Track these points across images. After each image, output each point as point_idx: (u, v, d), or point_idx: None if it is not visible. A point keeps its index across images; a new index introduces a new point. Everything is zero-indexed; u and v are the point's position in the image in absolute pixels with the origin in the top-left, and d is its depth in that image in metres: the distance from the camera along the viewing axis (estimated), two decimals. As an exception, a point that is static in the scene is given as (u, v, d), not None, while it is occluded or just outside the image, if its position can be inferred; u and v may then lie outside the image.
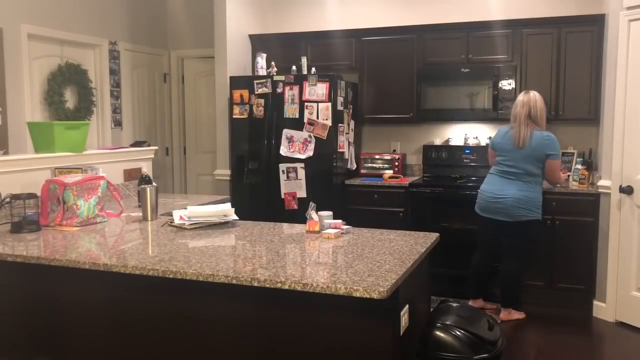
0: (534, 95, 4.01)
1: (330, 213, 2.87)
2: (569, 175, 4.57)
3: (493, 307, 4.28)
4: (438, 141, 5.27)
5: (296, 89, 4.79)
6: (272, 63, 5.05)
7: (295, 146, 4.81)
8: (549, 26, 4.60)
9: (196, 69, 6.44)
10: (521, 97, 4.05)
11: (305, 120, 4.77)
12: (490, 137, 4.51)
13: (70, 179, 3.04)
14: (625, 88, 4.00)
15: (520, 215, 3.92)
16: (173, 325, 2.37)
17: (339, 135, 4.82)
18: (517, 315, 4.20)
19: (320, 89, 4.73)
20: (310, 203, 2.95)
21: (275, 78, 4.86)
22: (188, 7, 6.30)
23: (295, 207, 4.82)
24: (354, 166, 5.19)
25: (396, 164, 5.16)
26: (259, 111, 4.90)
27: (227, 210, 3.05)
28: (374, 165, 5.25)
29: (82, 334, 2.54)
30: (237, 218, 3.08)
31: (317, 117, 4.74)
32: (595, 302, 4.29)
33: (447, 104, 4.91)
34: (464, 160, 5.01)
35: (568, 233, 4.34)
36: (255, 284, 2.07)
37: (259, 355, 2.25)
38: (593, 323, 4.18)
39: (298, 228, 2.94)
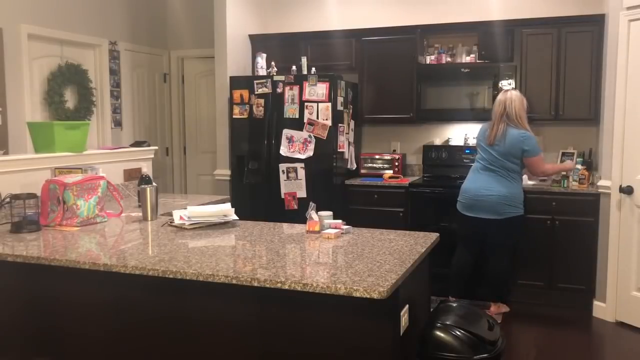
0: (511, 94, 4.01)
1: (330, 213, 2.87)
2: (576, 168, 4.43)
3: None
4: (438, 141, 5.27)
5: (296, 89, 4.79)
6: (272, 63, 5.04)
7: (295, 146, 4.81)
8: (549, 26, 4.60)
9: (196, 69, 6.44)
10: (500, 96, 4.07)
11: (305, 120, 4.77)
12: None
13: (70, 179, 3.04)
14: (625, 88, 4.00)
15: (506, 212, 3.96)
16: (173, 325, 2.36)
17: (339, 135, 4.82)
18: (504, 308, 4.24)
19: (320, 89, 4.73)
20: (310, 203, 2.94)
21: (275, 78, 4.86)
22: (188, 7, 6.30)
23: (295, 207, 4.82)
24: (354, 166, 5.19)
25: (396, 164, 5.16)
26: (259, 111, 4.90)
27: (227, 210, 3.05)
28: (374, 165, 5.25)
29: (81, 334, 2.54)
30: (237, 218, 3.08)
31: (317, 117, 4.74)
32: (595, 302, 4.29)
33: (447, 104, 4.91)
34: (464, 160, 5.00)
35: (568, 233, 4.34)
36: (255, 284, 2.07)
37: (259, 355, 2.25)
38: (593, 323, 4.18)
39: (298, 228, 2.94)
